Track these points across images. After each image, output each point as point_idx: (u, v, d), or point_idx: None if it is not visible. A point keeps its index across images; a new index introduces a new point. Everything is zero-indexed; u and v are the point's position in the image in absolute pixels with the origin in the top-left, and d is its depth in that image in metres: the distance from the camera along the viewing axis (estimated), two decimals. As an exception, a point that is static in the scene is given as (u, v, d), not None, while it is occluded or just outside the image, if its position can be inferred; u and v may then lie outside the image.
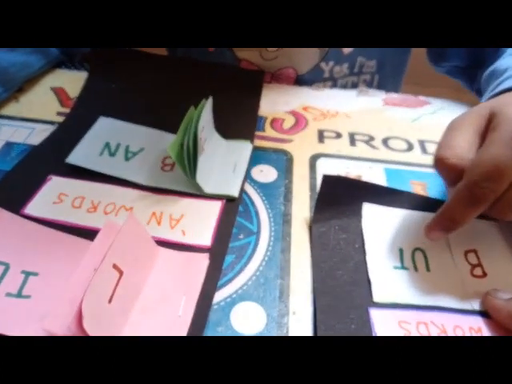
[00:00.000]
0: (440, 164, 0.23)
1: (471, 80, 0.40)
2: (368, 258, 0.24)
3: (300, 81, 0.41)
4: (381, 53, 0.43)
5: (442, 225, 0.23)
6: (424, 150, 0.32)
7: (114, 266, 0.20)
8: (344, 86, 0.43)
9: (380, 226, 0.25)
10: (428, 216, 0.26)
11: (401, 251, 0.24)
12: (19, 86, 0.35)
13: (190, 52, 0.43)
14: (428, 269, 0.24)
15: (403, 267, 0.24)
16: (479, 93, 0.38)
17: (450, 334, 0.21)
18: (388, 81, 0.45)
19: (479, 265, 0.24)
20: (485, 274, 0.23)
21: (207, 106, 0.28)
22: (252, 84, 0.34)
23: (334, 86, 0.43)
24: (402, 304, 0.22)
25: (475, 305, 0.22)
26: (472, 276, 0.23)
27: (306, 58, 0.40)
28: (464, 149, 0.22)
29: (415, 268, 0.24)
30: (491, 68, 0.33)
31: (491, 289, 0.22)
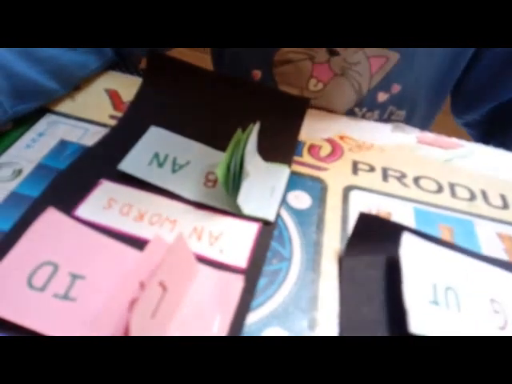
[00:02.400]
0: None
1: (484, 134, 0.44)
2: (405, 287, 0.24)
3: None
4: (412, 104, 0.44)
5: None
6: (453, 194, 0.33)
7: (160, 283, 0.21)
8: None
9: (416, 257, 0.26)
10: (459, 257, 0.27)
11: (434, 287, 0.25)
12: (75, 85, 0.36)
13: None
14: (459, 310, 0.24)
15: (437, 303, 0.24)
16: (504, 143, 0.41)
17: None
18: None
19: (504, 316, 0.25)
20: (506, 325, 0.24)
21: (254, 131, 0.29)
22: (296, 110, 0.36)
23: None
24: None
25: None
26: (497, 326, 0.24)
27: (343, 101, 0.42)
28: None
29: (447, 306, 0.24)
30: None
31: None
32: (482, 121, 0.44)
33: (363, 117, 0.44)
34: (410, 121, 0.46)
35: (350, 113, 0.43)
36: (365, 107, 0.43)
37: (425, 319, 0.23)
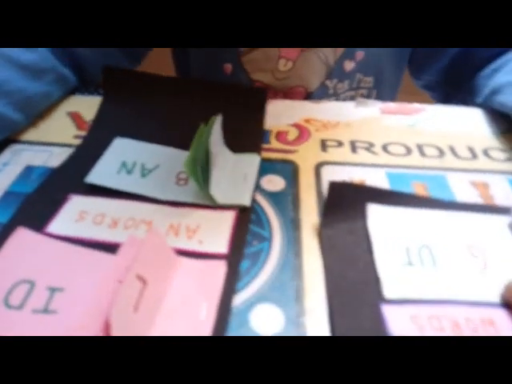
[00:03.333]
0: None
1: (444, 94, 0.46)
2: (376, 256, 0.25)
3: (309, 98, 0.44)
4: (378, 70, 0.46)
5: None
6: (423, 154, 0.34)
7: (138, 277, 0.21)
8: (344, 100, 0.46)
9: (386, 225, 0.27)
10: (431, 213, 0.28)
11: (407, 249, 0.25)
12: (38, 114, 0.37)
13: (205, 75, 0.46)
14: (435, 264, 0.25)
15: (411, 264, 0.25)
16: (464, 101, 0.42)
17: (463, 326, 0.22)
18: (385, 96, 0.49)
19: (483, 258, 0.25)
20: (486, 266, 0.25)
21: (217, 123, 0.30)
22: (257, 101, 0.36)
23: (338, 100, 0.45)
24: (413, 299, 0.23)
25: (484, 296, 0.23)
26: (476, 269, 0.25)
27: (314, 76, 0.43)
28: None
29: (422, 264, 0.25)
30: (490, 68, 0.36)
31: (510, 281, 0.23)
32: (440, 81, 0.45)
33: (335, 88, 0.45)
34: (379, 87, 0.47)
35: (323, 87, 0.44)
36: (335, 78, 0.44)
37: (397, 284, 0.24)
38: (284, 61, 0.41)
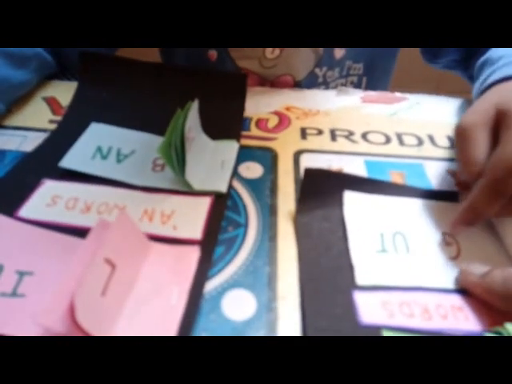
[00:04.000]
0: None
1: (467, 69, 0.43)
2: (350, 243, 0.25)
3: (297, 87, 0.43)
4: (369, 56, 0.45)
5: (467, 219, 0.25)
6: (401, 142, 0.34)
7: (106, 260, 0.21)
8: (333, 89, 0.45)
9: (361, 212, 0.27)
10: (406, 201, 0.28)
11: (382, 236, 0.26)
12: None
13: (190, 62, 0.45)
14: (408, 251, 0.25)
15: (384, 251, 0.25)
16: (472, 79, 0.41)
17: (433, 313, 0.22)
18: (377, 83, 0.48)
19: (456, 245, 0.25)
20: (459, 254, 0.25)
21: (193, 108, 0.29)
22: (236, 87, 0.36)
23: (327, 89, 0.45)
24: (385, 286, 0.23)
25: (454, 284, 0.23)
26: (449, 256, 0.25)
27: (302, 64, 0.42)
28: (480, 154, 0.25)
29: (396, 251, 0.25)
30: (485, 57, 0.35)
31: (464, 265, 0.24)
32: (458, 59, 0.43)
33: (324, 77, 0.44)
34: (370, 74, 0.46)
35: (312, 75, 0.43)
36: (325, 66, 0.43)
37: (370, 271, 0.24)
38: (271, 48, 0.41)
